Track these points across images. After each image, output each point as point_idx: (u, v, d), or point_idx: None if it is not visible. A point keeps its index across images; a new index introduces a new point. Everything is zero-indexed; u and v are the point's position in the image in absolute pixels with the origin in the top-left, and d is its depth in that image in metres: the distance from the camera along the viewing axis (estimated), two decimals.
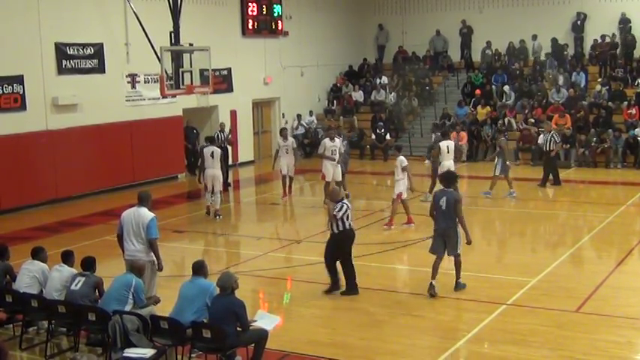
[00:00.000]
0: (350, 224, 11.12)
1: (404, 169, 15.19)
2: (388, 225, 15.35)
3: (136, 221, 9.81)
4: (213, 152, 16.72)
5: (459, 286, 11.19)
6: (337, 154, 17.42)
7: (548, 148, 19.68)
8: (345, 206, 10.99)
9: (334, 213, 10.94)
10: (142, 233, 9.78)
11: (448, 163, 17.17)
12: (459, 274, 11.24)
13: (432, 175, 17.70)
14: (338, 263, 11.24)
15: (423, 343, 9.31)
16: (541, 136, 20.89)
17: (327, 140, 17.67)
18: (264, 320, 8.72)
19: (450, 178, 11.43)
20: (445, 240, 11.07)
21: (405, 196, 15.31)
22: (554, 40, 27.06)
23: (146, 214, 9.86)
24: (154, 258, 9.88)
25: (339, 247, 11.15)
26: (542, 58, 27.40)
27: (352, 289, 11.17)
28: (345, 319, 10.24)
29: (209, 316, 8.34)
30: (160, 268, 10.06)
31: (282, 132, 19.12)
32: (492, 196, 18.15)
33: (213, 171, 16.72)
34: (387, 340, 9.43)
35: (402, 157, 15.32)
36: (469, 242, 11.23)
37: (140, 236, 9.79)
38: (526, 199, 18.61)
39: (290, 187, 18.75)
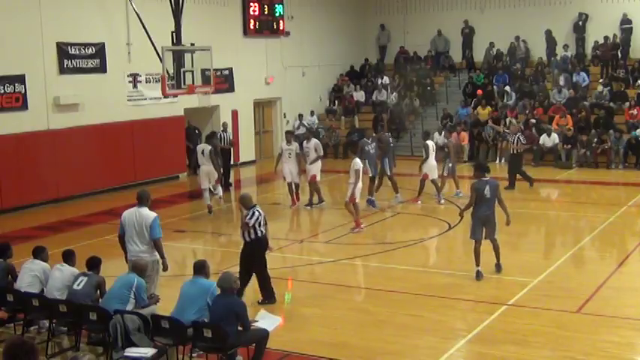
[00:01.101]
0: (262, 232, 10.82)
1: (355, 172, 15.03)
2: (358, 227, 15.20)
3: (138, 222, 9.78)
4: (203, 150, 16.97)
5: (499, 268, 11.94)
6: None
7: (515, 150, 19.39)
8: (257, 213, 10.68)
9: (246, 221, 10.64)
10: (145, 234, 9.75)
11: (433, 162, 17.68)
12: (499, 257, 11.93)
13: (382, 177, 17.89)
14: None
15: (424, 344, 9.30)
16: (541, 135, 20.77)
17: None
18: (265, 320, 8.74)
19: (484, 167, 12.11)
20: (485, 226, 11.70)
21: (358, 199, 15.23)
22: (548, 32, 27.08)
23: (148, 214, 9.82)
24: (157, 257, 9.88)
25: (251, 256, 10.82)
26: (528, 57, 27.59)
27: (270, 297, 10.88)
28: (345, 319, 10.24)
29: (210, 315, 8.35)
30: (165, 268, 10.06)
31: (287, 135, 18.42)
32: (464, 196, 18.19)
33: (207, 167, 16.93)
34: (387, 340, 9.43)
35: (356, 160, 15.25)
36: (508, 223, 12.03)
37: (143, 237, 9.76)
38: (527, 200, 18.60)
39: (297, 193, 18.04)
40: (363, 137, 20.53)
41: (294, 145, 17.82)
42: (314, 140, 18.08)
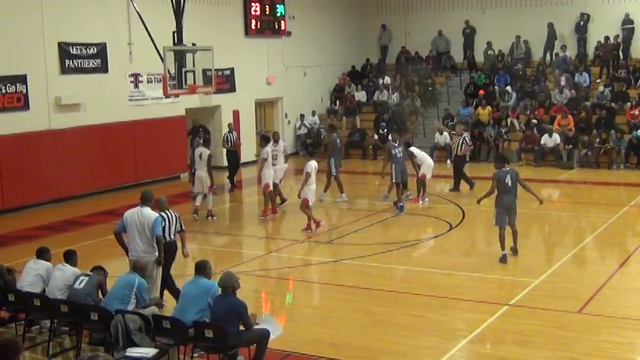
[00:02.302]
0: (170, 237, 10.56)
1: (306, 174, 15.00)
2: (309, 228, 15.15)
3: (140, 221, 9.83)
4: (201, 154, 16.44)
5: (516, 252, 12.97)
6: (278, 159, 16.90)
7: (457, 152, 19.18)
8: (160, 218, 10.38)
9: None
10: (147, 233, 9.78)
11: (431, 162, 17.91)
12: (516, 242, 12.95)
13: (330, 177, 17.93)
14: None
15: (425, 344, 9.30)
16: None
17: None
18: (267, 325, 8.73)
19: (504, 158, 13.67)
20: (509, 212, 12.71)
21: (312, 202, 15.19)
22: (550, 25, 27.06)
23: (150, 213, 9.89)
24: (156, 256, 9.89)
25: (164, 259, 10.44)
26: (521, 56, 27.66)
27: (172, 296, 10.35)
28: (346, 320, 10.24)
29: (211, 315, 8.35)
30: (160, 263, 10.01)
31: (261, 140, 17.19)
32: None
33: (201, 173, 16.43)
34: (388, 340, 9.43)
35: (310, 163, 15.21)
36: (542, 202, 13.65)
37: (145, 236, 9.79)
38: (528, 200, 18.55)
39: (273, 201, 16.97)
40: (365, 138, 20.40)
41: (266, 151, 16.64)
42: (281, 142, 17.86)
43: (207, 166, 16.31)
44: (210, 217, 16.62)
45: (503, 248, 12.71)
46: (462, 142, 19.05)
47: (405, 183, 17.55)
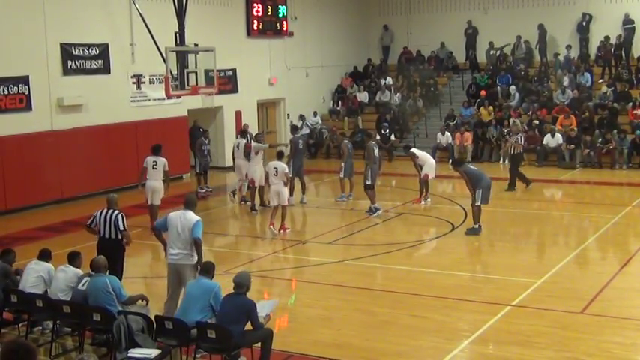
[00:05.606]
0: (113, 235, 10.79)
1: (282, 174, 15.07)
2: (283, 229, 15.25)
3: (182, 224, 9.66)
4: (239, 144, 17.47)
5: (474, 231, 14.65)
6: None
7: (512, 151, 19.57)
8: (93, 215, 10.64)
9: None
10: (187, 235, 9.61)
11: (433, 162, 18.08)
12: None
13: (292, 180, 17.81)
14: None
15: (428, 344, 9.30)
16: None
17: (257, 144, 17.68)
18: (264, 308, 8.78)
19: (460, 160, 16.09)
20: (489, 191, 14.64)
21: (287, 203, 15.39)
22: (540, 26, 27.07)
23: (192, 217, 9.71)
24: (195, 261, 9.76)
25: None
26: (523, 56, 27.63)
27: None
28: (349, 320, 10.25)
29: (219, 313, 8.34)
30: (197, 266, 9.94)
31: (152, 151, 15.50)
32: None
33: (241, 162, 17.59)
34: (391, 340, 9.43)
35: (279, 164, 15.26)
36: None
37: (183, 239, 9.62)
38: (531, 200, 18.59)
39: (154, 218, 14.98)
40: (367, 137, 20.22)
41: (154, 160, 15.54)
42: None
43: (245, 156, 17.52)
44: (244, 202, 18.07)
45: (479, 221, 14.60)
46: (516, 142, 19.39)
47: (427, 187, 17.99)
